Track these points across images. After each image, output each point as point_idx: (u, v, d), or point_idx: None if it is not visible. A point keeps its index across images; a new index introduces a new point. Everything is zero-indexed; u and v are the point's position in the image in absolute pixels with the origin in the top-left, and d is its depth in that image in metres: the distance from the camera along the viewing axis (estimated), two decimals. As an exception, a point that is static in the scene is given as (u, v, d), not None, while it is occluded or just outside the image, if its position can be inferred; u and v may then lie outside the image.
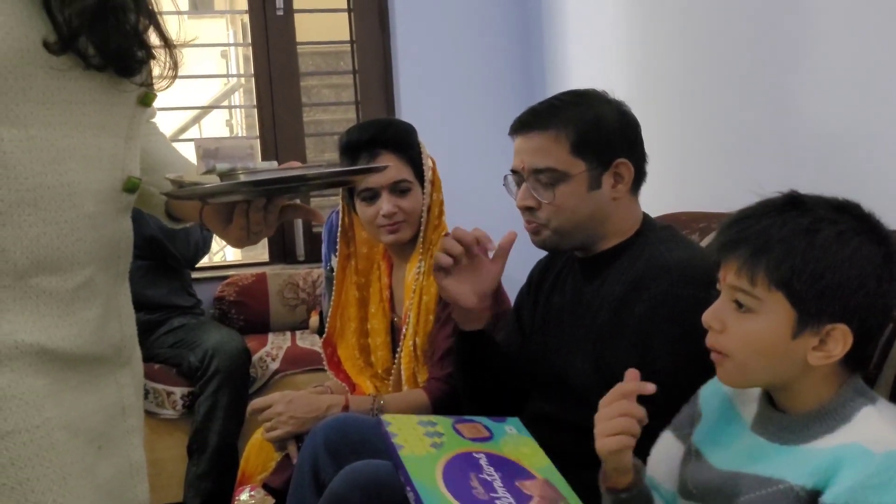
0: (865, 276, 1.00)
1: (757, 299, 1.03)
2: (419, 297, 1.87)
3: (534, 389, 1.64)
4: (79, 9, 0.93)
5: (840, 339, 1.01)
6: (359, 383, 2.00)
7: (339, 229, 2.00)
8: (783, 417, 1.07)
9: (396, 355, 1.91)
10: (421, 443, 1.26)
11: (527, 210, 1.50)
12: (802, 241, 1.01)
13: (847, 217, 1.03)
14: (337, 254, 2.80)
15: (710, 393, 1.20)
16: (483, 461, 1.24)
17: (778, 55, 1.81)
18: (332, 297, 2.03)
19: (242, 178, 1.04)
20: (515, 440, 1.33)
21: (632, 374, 1.15)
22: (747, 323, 1.04)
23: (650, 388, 1.10)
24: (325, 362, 2.05)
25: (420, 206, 1.87)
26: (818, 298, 1.00)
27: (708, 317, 1.08)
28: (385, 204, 1.83)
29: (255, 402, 1.85)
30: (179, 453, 2.63)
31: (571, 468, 1.43)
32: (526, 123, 1.50)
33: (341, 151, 1.92)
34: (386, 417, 1.32)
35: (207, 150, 1.07)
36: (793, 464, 1.02)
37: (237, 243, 1.15)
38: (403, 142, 1.88)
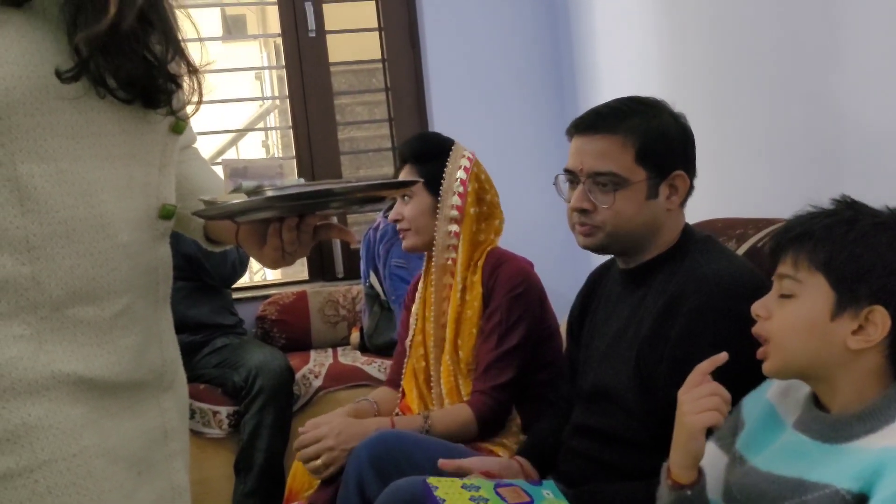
0: None
1: (799, 282, 1.07)
2: (459, 312, 1.90)
3: (577, 401, 1.64)
4: (87, 35, 0.94)
5: (879, 323, 1.03)
6: (406, 389, 2.03)
7: None
8: (826, 416, 1.07)
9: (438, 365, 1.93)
10: None
11: (581, 212, 1.49)
12: (843, 228, 1.05)
13: (890, 215, 1.08)
14: (377, 268, 2.84)
15: (752, 402, 1.20)
16: None
17: (814, 53, 1.79)
18: (416, 302, 2.05)
19: (269, 193, 1.04)
20: None
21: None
22: (789, 306, 1.08)
23: (723, 356, 1.14)
24: (388, 366, 2.13)
25: (424, 213, 1.92)
26: (856, 279, 1.03)
27: (756, 307, 1.12)
28: (392, 212, 1.95)
29: (303, 440, 1.83)
30: (226, 472, 2.66)
31: (614, 479, 1.44)
32: (592, 125, 1.49)
33: None
34: (431, 481, 1.32)
35: (235, 168, 1.08)
36: (836, 465, 1.01)
37: (272, 264, 1.15)
38: (419, 152, 1.96)
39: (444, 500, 1.26)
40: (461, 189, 1.92)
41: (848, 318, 1.04)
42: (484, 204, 1.96)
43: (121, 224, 1.00)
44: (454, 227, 1.91)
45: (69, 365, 0.96)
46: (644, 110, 1.49)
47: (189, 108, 1.09)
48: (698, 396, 1.13)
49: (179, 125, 1.08)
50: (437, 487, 1.30)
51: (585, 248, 1.54)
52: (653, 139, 1.46)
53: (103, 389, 0.99)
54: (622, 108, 1.50)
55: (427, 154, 1.95)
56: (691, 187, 1.52)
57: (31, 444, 0.93)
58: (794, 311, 1.07)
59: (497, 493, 1.33)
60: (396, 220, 1.92)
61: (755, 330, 1.12)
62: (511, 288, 1.87)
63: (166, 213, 1.07)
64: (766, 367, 1.12)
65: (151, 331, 1.06)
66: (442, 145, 1.98)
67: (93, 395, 0.98)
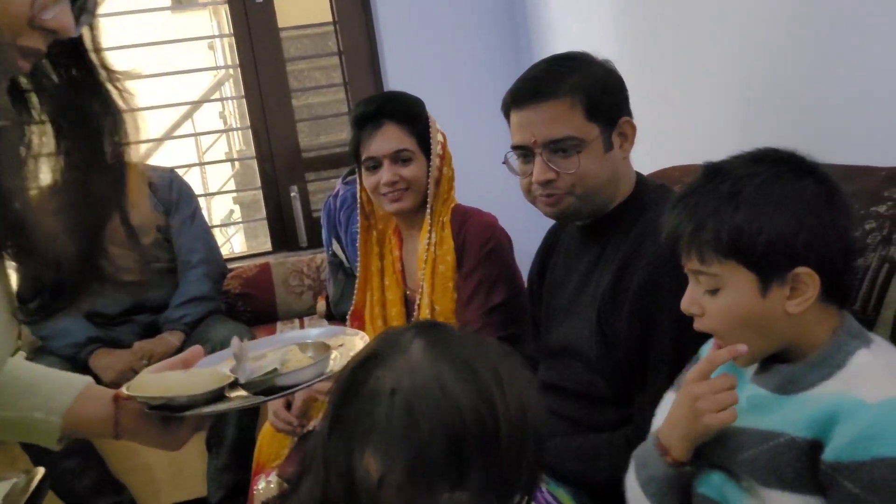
0: (801, 215, 1.01)
1: (715, 275, 1.04)
2: (432, 267, 1.90)
3: (541, 358, 1.64)
4: None
5: (808, 281, 1.01)
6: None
7: (358, 204, 2.04)
8: (783, 367, 1.07)
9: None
10: None
11: (546, 184, 1.45)
12: (729, 206, 1.02)
13: (764, 166, 1.04)
14: (339, 235, 2.81)
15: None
16: None
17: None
18: (358, 271, 2.05)
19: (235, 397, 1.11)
20: None
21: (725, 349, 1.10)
22: (719, 300, 1.05)
23: (742, 348, 1.07)
24: None
25: (423, 175, 1.91)
26: (766, 253, 1.01)
27: (685, 304, 1.09)
28: (385, 173, 1.88)
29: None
30: (199, 448, 2.64)
31: (578, 434, 1.44)
32: (535, 93, 1.43)
33: (352, 124, 1.97)
34: None
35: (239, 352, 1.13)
36: (792, 414, 1.01)
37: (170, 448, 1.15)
38: (407, 113, 1.92)
39: None
40: (440, 151, 1.93)
41: (777, 288, 1.01)
42: (451, 166, 1.97)
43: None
44: (435, 188, 1.92)
45: None
46: (578, 66, 1.46)
47: None
48: (716, 390, 1.06)
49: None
50: None
51: (555, 217, 1.52)
52: (597, 93, 1.43)
53: None
54: (557, 69, 1.46)
55: (415, 115, 1.93)
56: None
57: None
58: (726, 305, 1.04)
59: None
60: (394, 182, 1.88)
61: (697, 328, 1.09)
62: (483, 243, 1.88)
63: None
64: (738, 363, 1.09)
65: None
66: (421, 105, 1.97)
67: None
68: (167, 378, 1.12)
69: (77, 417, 1.09)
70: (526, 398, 0.81)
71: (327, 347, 1.17)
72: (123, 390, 1.10)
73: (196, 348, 1.19)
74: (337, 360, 1.16)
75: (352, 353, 1.16)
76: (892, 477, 0.91)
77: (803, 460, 0.98)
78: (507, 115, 1.50)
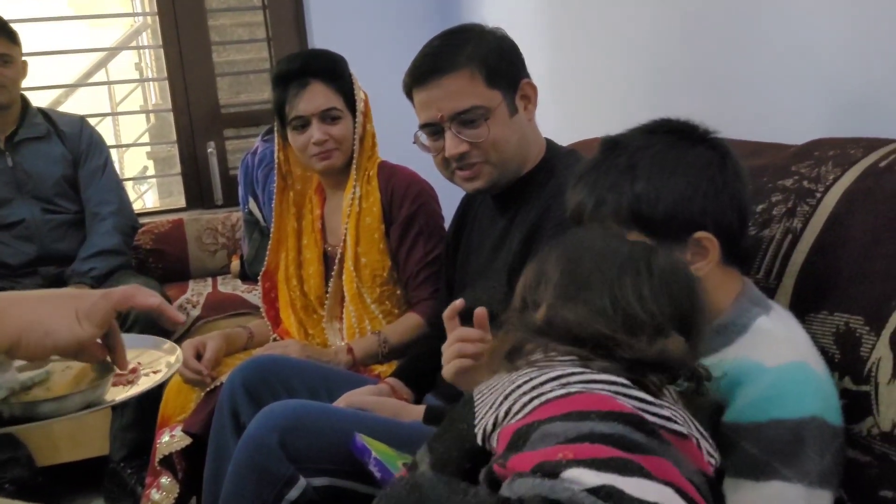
0: (696, 180, 1.04)
1: None
2: (357, 220, 1.90)
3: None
4: None
5: (708, 246, 1.05)
6: (283, 318, 2.00)
7: (276, 164, 2.00)
8: None
9: (330, 282, 1.93)
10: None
11: (459, 157, 1.47)
12: (627, 178, 1.05)
13: (658, 137, 1.08)
14: (256, 194, 2.75)
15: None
16: None
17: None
18: (272, 232, 2.03)
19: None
20: None
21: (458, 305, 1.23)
22: None
23: (459, 303, 1.21)
24: (259, 296, 2.06)
25: (351, 133, 1.90)
26: (665, 220, 1.04)
27: None
28: (315, 132, 1.86)
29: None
30: (102, 406, 2.57)
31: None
32: (434, 69, 1.46)
33: (275, 81, 1.93)
34: (365, 439, 1.22)
35: None
36: None
37: None
38: (333, 71, 1.90)
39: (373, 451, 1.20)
40: (363, 108, 1.92)
41: (679, 254, 1.04)
42: (372, 122, 1.97)
43: None
44: (359, 145, 1.91)
45: None
46: (471, 37, 1.49)
47: None
48: (447, 344, 1.16)
49: None
50: (373, 451, 1.20)
51: (475, 192, 1.54)
52: (493, 59, 1.46)
53: None
54: (451, 42, 1.49)
55: (340, 73, 1.91)
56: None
57: None
58: None
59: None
60: (324, 141, 1.86)
61: None
62: (414, 197, 1.89)
63: None
64: None
65: None
66: (344, 63, 1.95)
67: None
68: None
69: None
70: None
71: (110, 371, 0.97)
72: None
73: None
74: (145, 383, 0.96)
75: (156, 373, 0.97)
76: (788, 438, 0.94)
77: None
78: (409, 96, 1.52)
